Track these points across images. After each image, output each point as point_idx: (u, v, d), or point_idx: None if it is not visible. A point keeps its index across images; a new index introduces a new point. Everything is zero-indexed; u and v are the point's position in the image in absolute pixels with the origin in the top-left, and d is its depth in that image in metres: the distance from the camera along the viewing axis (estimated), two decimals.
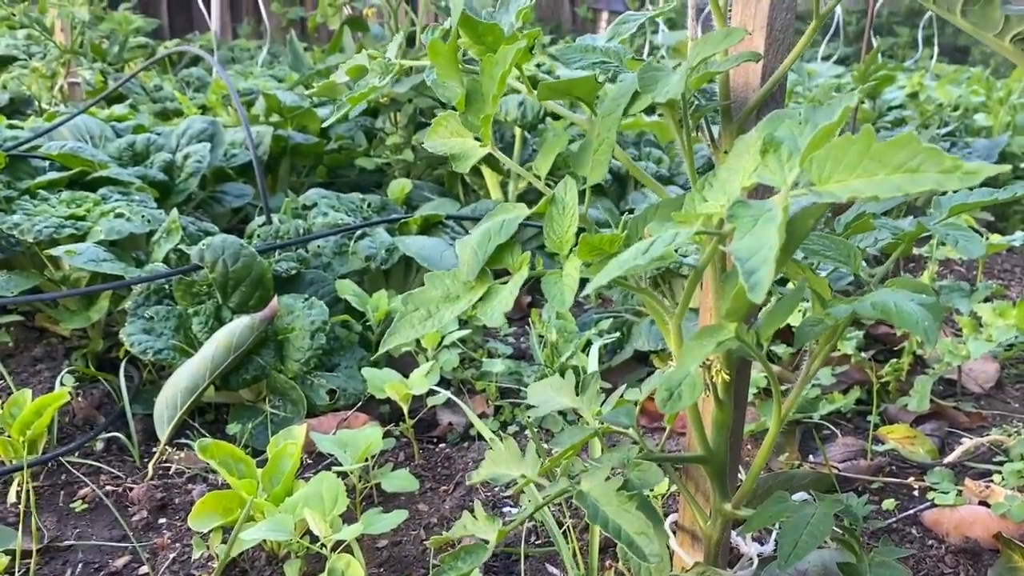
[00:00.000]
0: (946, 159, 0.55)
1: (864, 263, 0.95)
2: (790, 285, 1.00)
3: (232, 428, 1.71)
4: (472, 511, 0.88)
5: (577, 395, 0.93)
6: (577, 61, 0.92)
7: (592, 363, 1.32)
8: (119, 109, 2.99)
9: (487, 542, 0.80)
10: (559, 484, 0.80)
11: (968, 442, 1.57)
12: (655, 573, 0.82)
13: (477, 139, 0.89)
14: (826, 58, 5.90)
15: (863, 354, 1.77)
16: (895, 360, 1.77)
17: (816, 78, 4.34)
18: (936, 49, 5.73)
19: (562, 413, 1.63)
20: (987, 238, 1.88)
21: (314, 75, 2.67)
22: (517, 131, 2.51)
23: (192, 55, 5.78)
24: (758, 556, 1.03)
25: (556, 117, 2.45)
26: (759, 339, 0.77)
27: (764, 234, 0.60)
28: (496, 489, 1.50)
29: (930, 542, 1.34)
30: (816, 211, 0.65)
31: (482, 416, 1.76)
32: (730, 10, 0.90)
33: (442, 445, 1.71)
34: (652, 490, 1.32)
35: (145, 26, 5.54)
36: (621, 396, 1.08)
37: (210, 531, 1.26)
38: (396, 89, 2.35)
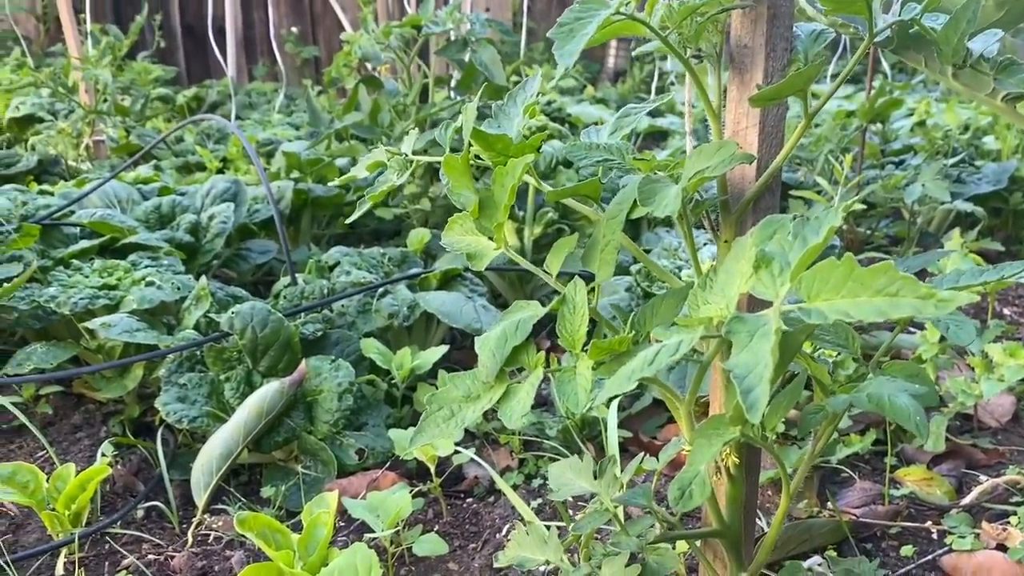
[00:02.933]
0: (921, 288, 0.60)
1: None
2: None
3: (266, 491, 1.76)
4: (499, 572, 0.92)
5: (595, 478, 0.98)
6: (582, 160, 0.97)
7: (612, 418, 1.37)
8: (144, 171, 3.09)
9: None
10: (582, 570, 0.85)
11: (985, 482, 1.59)
12: None
13: (491, 239, 0.95)
14: (835, 75, 5.93)
15: None
16: None
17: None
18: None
19: None
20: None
21: (331, 135, 2.75)
22: (531, 179, 2.56)
23: (211, 101, 5.91)
24: None
25: (568, 165, 2.51)
26: (765, 431, 0.82)
27: (759, 350, 0.65)
28: None
29: None
30: (807, 329, 0.70)
31: (506, 470, 1.81)
32: (724, 108, 0.95)
33: (469, 500, 1.76)
34: (673, 547, 1.36)
35: (164, 75, 5.68)
36: (639, 464, 1.13)
37: None
38: (416, 146, 2.41)
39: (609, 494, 0.95)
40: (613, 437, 1.33)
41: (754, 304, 0.81)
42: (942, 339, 1.82)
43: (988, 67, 0.86)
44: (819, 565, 1.19)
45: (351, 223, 3.07)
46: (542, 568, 1.46)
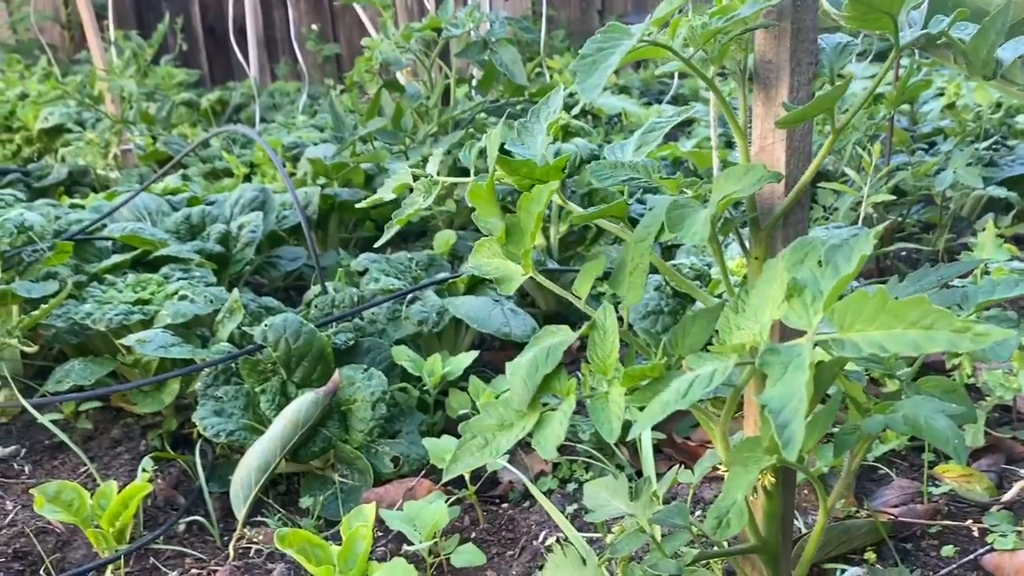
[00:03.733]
0: (956, 321, 0.59)
1: None
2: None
3: (305, 501, 1.78)
4: None
5: (631, 499, 0.98)
6: (607, 179, 0.97)
7: (647, 438, 1.38)
8: (172, 181, 3.12)
9: None
10: None
11: None
12: None
13: (518, 264, 0.95)
14: (861, 55, 5.85)
15: None
16: None
17: (852, 80, 4.30)
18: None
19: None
20: None
21: (355, 142, 2.76)
22: (557, 199, 2.56)
23: (235, 104, 5.95)
24: None
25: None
26: (801, 457, 0.81)
27: (794, 383, 0.65)
28: None
29: None
30: (842, 361, 0.69)
31: (540, 474, 1.82)
32: (750, 125, 0.94)
33: (504, 505, 1.77)
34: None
35: (187, 79, 5.72)
36: (674, 478, 1.13)
37: None
38: (435, 149, 2.42)
39: (646, 515, 0.96)
40: (649, 456, 1.33)
41: (786, 329, 0.81)
42: None
43: (1020, 75, 0.85)
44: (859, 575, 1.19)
45: (378, 226, 3.09)
46: None
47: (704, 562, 0.86)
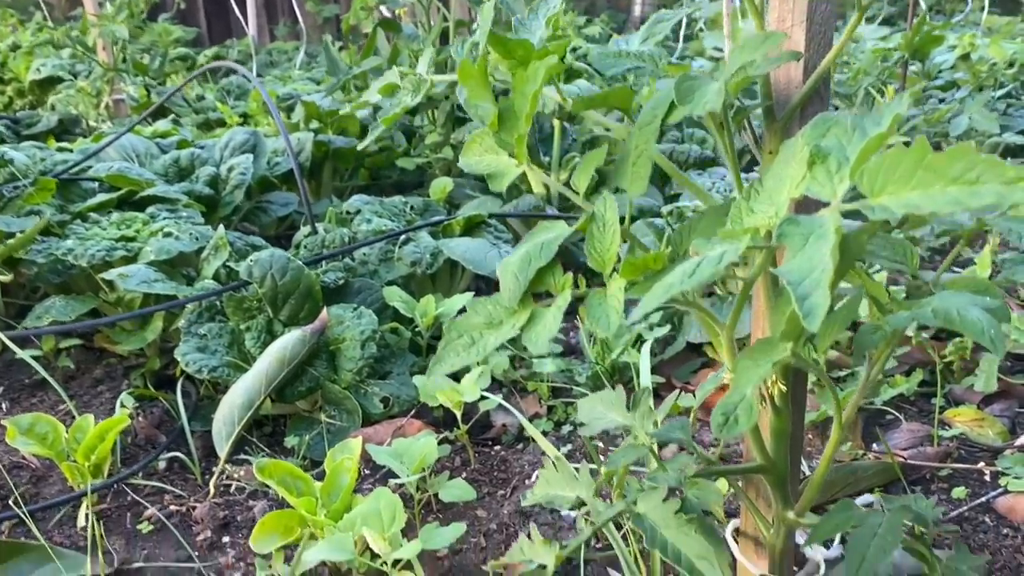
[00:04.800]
0: (1008, 170, 0.52)
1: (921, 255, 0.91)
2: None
3: (290, 441, 1.72)
4: (528, 517, 0.87)
5: (628, 411, 0.91)
6: (612, 67, 0.89)
7: (644, 362, 1.30)
8: (163, 125, 3.04)
9: (544, 567, 0.79)
10: (616, 507, 0.79)
11: None
12: None
13: (512, 156, 0.88)
14: (870, 19, 5.74)
15: (924, 334, 1.72)
16: (959, 339, 1.71)
17: (862, 41, 4.21)
18: (987, 1, 5.52)
19: None
20: None
21: (350, 80, 2.67)
22: (556, 122, 2.48)
23: (232, 60, 5.84)
24: (824, 561, 1.00)
25: None
26: (815, 351, 0.74)
27: (816, 254, 0.58)
28: None
29: (1005, 531, 1.30)
30: (871, 228, 0.62)
31: (535, 416, 1.76)
32: (767, 5, 0.86)
33: (497, 447, 1.71)
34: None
35: (184, 36, 5.61)
36: (675, 401, 1.06)
37: (272, 552, 1.28)
38: (436, 90, 2.34)
39: (643, 426, 0.89)
40: (646, 374, 1.26)
41: (806, 212, 0.73)
42: (991, 276, 1.73)
43: None
44: (871, 504, 1.12)
45: (373, 175, 3.00)
46: (572, 513, 1.41)
47: (707, 479, 0.80)
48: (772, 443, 0.90)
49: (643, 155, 0.81)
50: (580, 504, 0.91)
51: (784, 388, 0.82)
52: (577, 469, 0.87)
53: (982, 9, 5.55)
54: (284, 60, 5.98)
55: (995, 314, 0.68)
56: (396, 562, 1.20)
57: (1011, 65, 3.11)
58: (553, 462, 0.89)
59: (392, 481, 1.42)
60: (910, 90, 2.33)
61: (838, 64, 3.02)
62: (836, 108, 2.68)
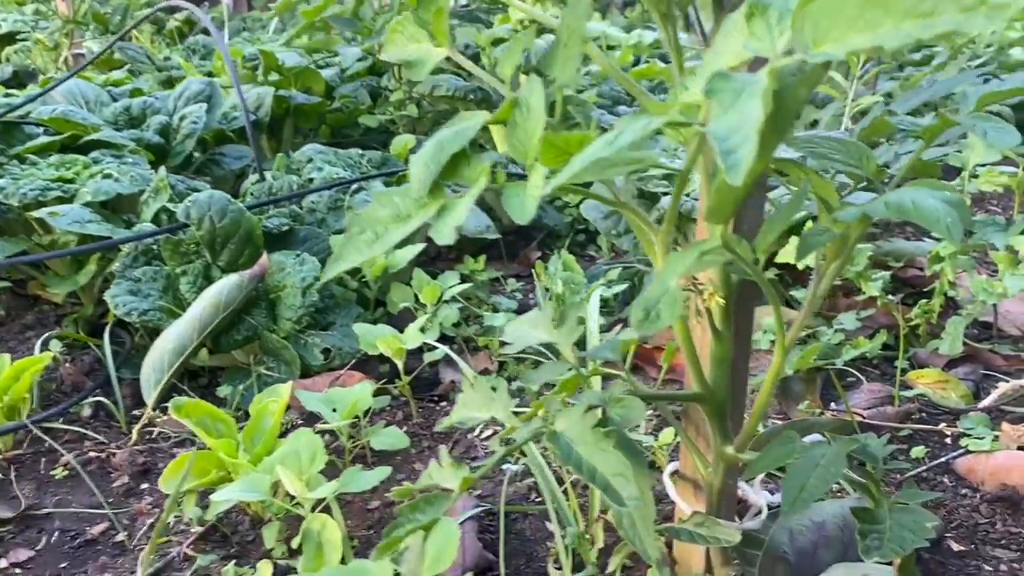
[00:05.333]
0: None
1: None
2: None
3: (223, 390, 1.63)
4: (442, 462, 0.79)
5: (555, 327, 0.83)
6: None
7: (593, 308, 1.22)
8: (117, 74, 2.92)
9: (452, 491, 0.71)
10: (532, 425, 0.71)
11: (1005, 385, 1.45)
12: (639, 521, 0.73)
13: (434, 41, 0.79)
14: None
15: (890, 297, 1.66)
16: (925, 301, 1.64)
17: None
18: None
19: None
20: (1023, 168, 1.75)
21: (308, 26, 2.57)
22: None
23: (201, 26, 5.70)
24: (768, 507, 0.93)
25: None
26: (755, 253, 0.67)
27: (747, 108, 0.50)
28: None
29: (963, 491, 1.23)
30: (811, 78, 0.54)
31: (484, 372, 1.67)
32: None
33: (443, 403, 1.63)
34: (656, 439, 1.23)
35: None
36: (616, 335, 0.99)
37: (184, 493, 1.19)
38: None
39: (569, 342, 0.81)
40: (594, 319, 1.18)
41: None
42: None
43: None
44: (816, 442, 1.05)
45: (335, 132, 2.91)
46: (515, 467, 1.33)
47: (632, 399, 0.72)
48: (712, 369, 0.82)
49: (574, 35, 0.72)
50: (509, 428, 0.83)
51: (722, 301, 0.74)
52: (494, 388, 0.79)
53: None
54: (258, 28, 5.84)
55: (955, 207, 0.61)
56: (316, 506, 1.12)
57: (989, 46, 3.06)
58: (471, 381, 0.81)
59: (319, 427, 1.33)
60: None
61: None
62: None
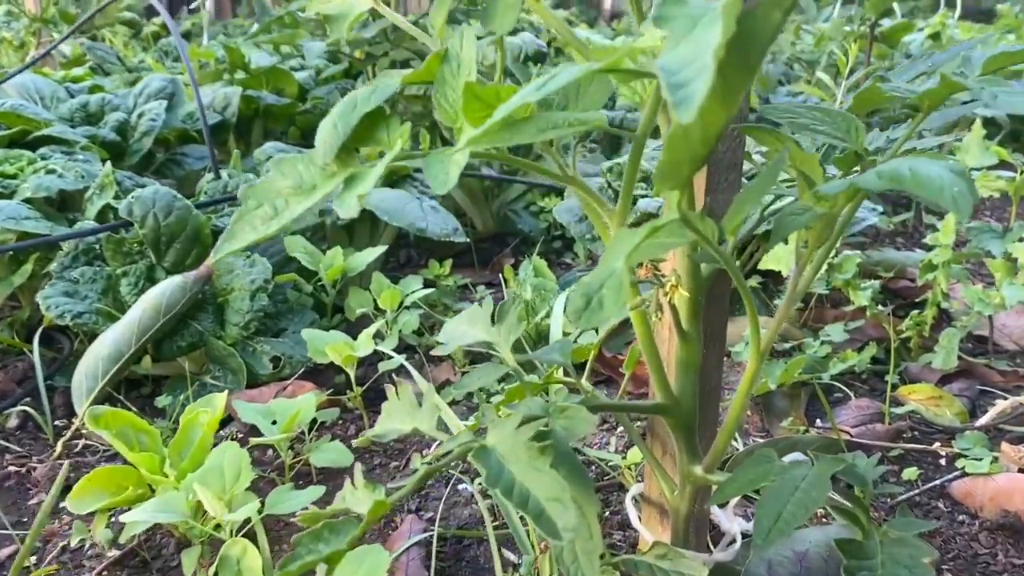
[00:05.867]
0: None
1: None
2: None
3: (163, 400, 1.51)
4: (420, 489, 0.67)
5: (493, 325, 0.72)
6: None
7: (557, 314, 1.11)
8: (78, 71, 2.81)
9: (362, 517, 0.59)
10: (460, 439, 0.60)
11: (1003, 403, 1.34)
12: (581, 556, 0.61)
13: None
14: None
15: (880, 307, 1.55)
16: (917, 313, 1.54)
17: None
18: (958, 10, 5.43)
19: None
20: (1022, 172, 1.65)
21: (275, 21, 2.47)
22: None
23: (183, 31, 5.59)
24: (743, 534, 0.82)
25: (539, 60, 2.23)
26: (724, 234, 0.56)
27: (703, 39, 0.40)
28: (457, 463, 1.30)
29: (960, 517, 1.12)
30: (779, 5, 0.43)
31: (445, 384, 1.56)
32: None
33: None
34: (624, 458, 1.11)
35: (136, 2, 5.36)
36: (575, 340, 0.87)
37: (94, 513, 1.07)
38: (364, 34, 2.14)
39: (509, 343, 0.70)
40: (558, 327, 1.07)
41: None
42: (956, 247, 1.56)
43: None
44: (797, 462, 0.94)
45: (305, 134, 2.80)
46: (470, 487, 1.21)
47: (577, 408, 0.60)
48: (678, 377, 0.71)
49: None
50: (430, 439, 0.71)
51: (687, 294, 0.63)
52: (420, 395, 0.68)
53: (953, 16, 5.48)
54: (239, 34, 5.74)
55: (959, 175, 0.50)
56: (240, 528, 1.00)
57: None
58: (395, 388, 0.70)
59: (254, 441, 1.21)
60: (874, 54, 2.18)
61: (800, 32, 2.87)
62: (799, 76, 2.52)
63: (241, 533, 0.99)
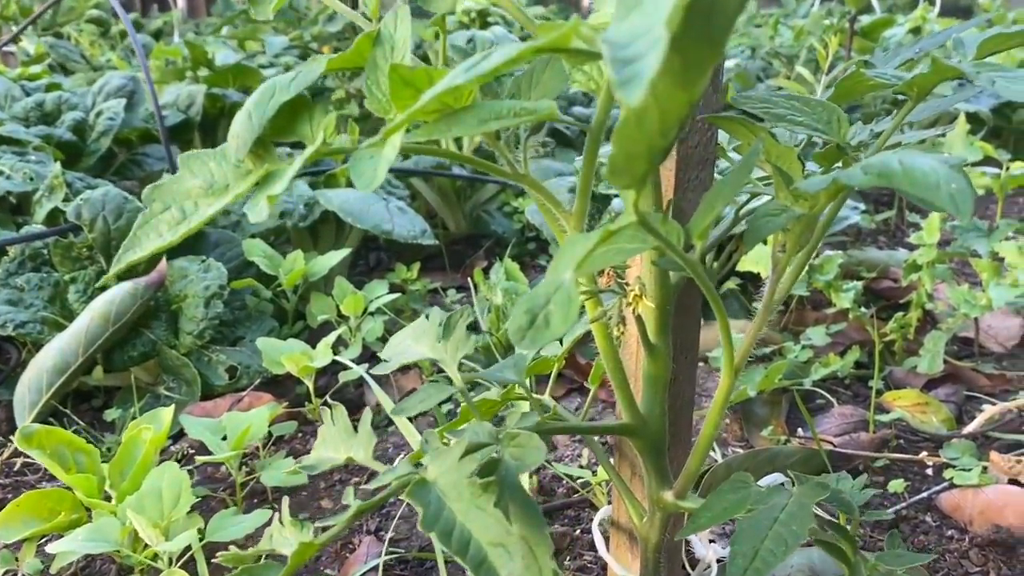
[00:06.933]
0: None
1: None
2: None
3: (111, 414, 1.43)
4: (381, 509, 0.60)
5: (439, 341, 0.65)
6: None
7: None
8: (35, 69, 2.72)
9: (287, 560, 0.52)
10: (396, 470, 0.53)
11: (991, 408, 1.29)
12: None
13: None
14: None
15: (863, 310, 1.49)
16: (901, 315, 1.48)
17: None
18: (938, 6, 5.41)
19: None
20: (1007, 168, 1.60)
21: (235, 16, 2.39)
22: None
23: (153, 29, 5.49)
24: (719, 560, 0.75)
25: None
26: (690, 238, 0.49)
27: (655, 8, 0.33)
28: None
29: (949, 532, 1.06)
30: None
31: (411, 393, 1.48)
32: None
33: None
34: (595, 474, 1.05)
35: (106, 0, 5.26)
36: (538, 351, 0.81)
37: (23, 541, 0.99)
38: (329, 29, 2.06)
39: (455, 360, 0.63)
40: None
41: None
42: (940, 245, 1.51)
43: None
44: (782, 485, 0.88)
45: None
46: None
47: (529, 436, 0.53)
48: (645, 394, 0.64)
49: None
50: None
51: (651, 305, 0.57)
52: (356, 421, 0.61)
53: (932, 12, 5.46)
54: (209, 32, 5.64)
55: (955, 169, 0.44)
56: (180, 556, 0.92)
57: None
58: (332, 414, 0.63)
59: (199, 460, 1.14)
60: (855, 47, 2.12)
61: (778, 28, 2.82)
62: (779, 72, 2.47)
63: (184, 560, 0.92)
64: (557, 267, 0.43)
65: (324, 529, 0.54)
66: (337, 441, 0.62)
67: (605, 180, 0.55)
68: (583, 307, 0.61)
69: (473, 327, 1.77)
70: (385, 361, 0.69)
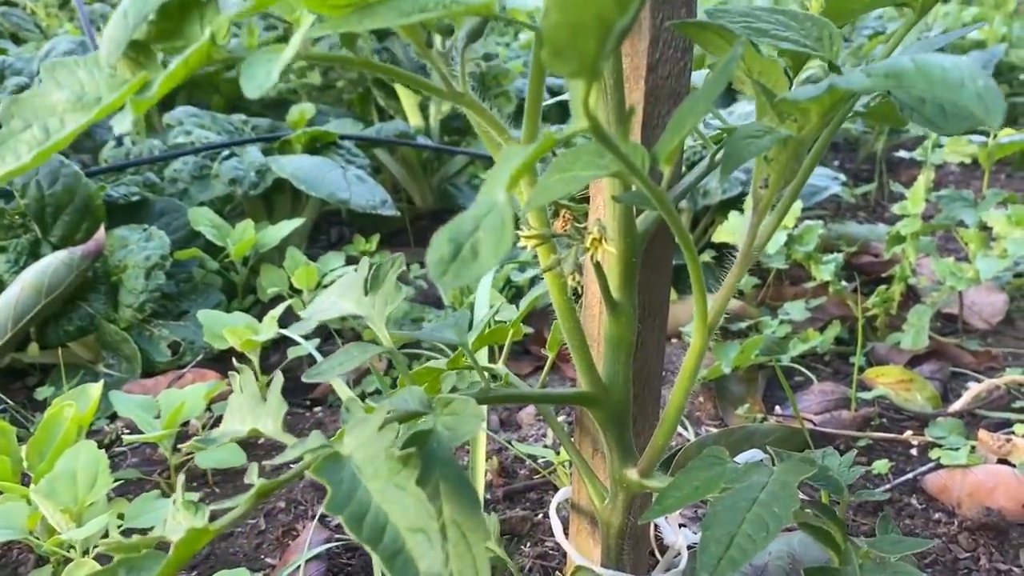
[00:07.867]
0: None
1: None
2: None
3: (44, 392, 1.34)
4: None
5: (366, 295, 0.57)
6: None
7: (482, 293, 0.96)
8: None
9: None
10: (308, 443, 0.44)
11: (978, 385, 1.22)
12: None
13: None
14: None
15: (844, 284, 1.42)
16: (883, 288, 1.42)
17: None
18: None
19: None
20: (994, 136, 1.53)
21: None
22: None
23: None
24: (690, 547, 0.68)
25: None
26: (656, 162, 0.41)
27: None
28: None
29: (936, 515, 1.00)
30: None
31: (365, 373, 1.40)
32: None
33: (317, 409, 1.35)
34: (558, 454, 0.97)
35: None
36: (491, 319, 0.72)
37: None
38: None
39: (382, 319, 0.55)
40: (484, 299, 0.92)
41: None
42: (926, 218, 1.44)
43: None
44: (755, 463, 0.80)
45: (231, 103, 2.60)
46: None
47: (465, 401, 0.45)
48: (606, 356, 0.56)
49: None
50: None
51: (614, 251, 0.48)
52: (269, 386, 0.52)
53: None
54: None
55: (978, 69, 0.35)
56: (97, 542, 0.83)
57: (945, 31, 2.88)
58: (240, 381, 0.55)
59: (129, 439, 1.04)
60: None
61: None
62: None
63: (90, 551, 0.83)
64: (489, 186, 0.34)
65: (223, 513, 0.46)
66: (244, 411, 0.53)
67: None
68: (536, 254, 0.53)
69: (437, 302, 1.69)
70: (304, 319, 0.60)
